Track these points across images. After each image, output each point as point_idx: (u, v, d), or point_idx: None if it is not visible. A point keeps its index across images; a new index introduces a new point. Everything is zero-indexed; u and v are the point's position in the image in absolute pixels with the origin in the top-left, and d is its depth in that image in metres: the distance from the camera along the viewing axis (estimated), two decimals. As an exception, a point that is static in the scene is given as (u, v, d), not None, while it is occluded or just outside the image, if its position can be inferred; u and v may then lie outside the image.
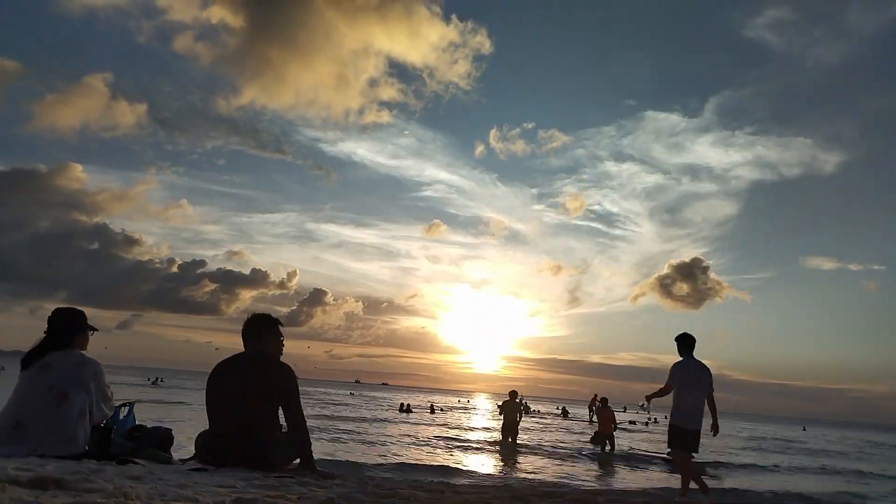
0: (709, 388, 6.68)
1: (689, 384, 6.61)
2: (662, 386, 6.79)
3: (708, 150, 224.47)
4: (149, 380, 52.22)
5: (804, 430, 57.69)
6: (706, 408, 6.72)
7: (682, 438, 6.59)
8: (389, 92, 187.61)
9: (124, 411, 4.10)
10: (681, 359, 6.79)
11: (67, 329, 3.67)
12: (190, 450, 3.97)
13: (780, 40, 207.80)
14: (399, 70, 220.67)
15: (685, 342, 6.79)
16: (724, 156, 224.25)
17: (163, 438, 3.96)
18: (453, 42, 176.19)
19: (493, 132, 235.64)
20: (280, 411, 3.81)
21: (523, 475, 11.14)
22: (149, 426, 4.13)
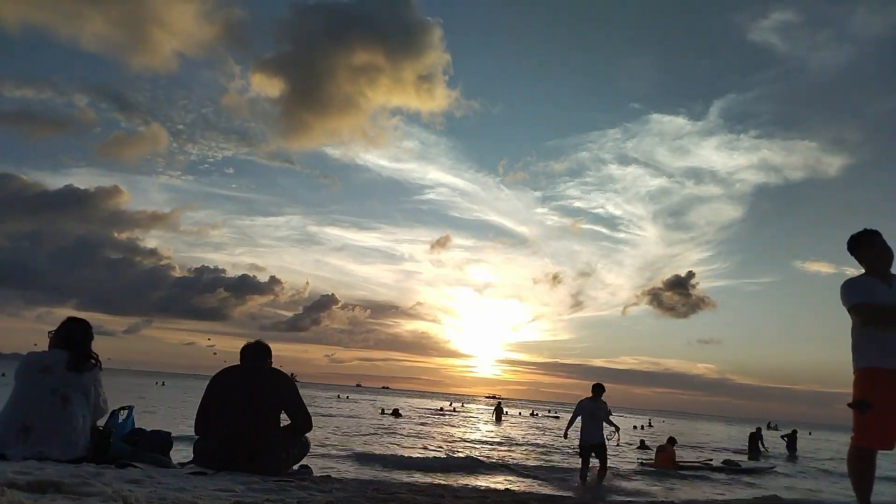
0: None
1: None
2: None
3: (712, 154, 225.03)
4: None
5: (810, 434, 57.49)
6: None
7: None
8: (406, 138, 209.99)
9: (123, 414, 4.10)
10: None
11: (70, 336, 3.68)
12: (189, 453, 3.96)
13: (784, 44, 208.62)
14: (415, 124, 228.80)
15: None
16: (729, 159, 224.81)
17: (162, 442, 3.96)
18: (466, 116, 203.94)
19: (502, 163, 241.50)
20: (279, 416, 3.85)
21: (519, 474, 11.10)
22: (147, 430, 4.12)
